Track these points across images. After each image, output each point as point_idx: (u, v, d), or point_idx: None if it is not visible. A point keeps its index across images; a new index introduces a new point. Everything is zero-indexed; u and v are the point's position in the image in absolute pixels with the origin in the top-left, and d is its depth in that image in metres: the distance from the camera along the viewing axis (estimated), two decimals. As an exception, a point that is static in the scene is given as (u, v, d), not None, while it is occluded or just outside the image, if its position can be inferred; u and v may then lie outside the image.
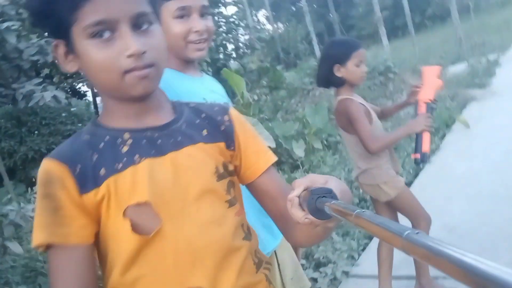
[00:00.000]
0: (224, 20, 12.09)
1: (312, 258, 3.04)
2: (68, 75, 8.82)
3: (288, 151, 5.42)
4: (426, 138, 2.01)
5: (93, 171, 0.75)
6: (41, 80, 5.53)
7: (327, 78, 2.12)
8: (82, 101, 12.84)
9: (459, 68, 8.64)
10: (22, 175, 7.47)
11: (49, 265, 0.74)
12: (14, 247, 2.72)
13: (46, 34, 6.43)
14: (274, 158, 0.92)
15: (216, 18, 11.65)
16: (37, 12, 0.76)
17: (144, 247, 0.75)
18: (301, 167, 5.00)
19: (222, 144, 0.87)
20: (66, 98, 5.38)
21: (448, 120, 5.44)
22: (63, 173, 0.74)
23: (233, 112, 0.93)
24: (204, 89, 1.33)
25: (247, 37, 14.04)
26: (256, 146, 0.92)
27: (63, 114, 7.91)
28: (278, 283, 1.50)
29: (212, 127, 0.87)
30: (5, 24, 4.40)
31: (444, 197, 3.55)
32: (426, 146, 2.01)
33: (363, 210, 0.44)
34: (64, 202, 0.73)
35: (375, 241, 3.17)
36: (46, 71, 8.17)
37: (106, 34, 0.73)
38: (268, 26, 18.89)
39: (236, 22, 12.44)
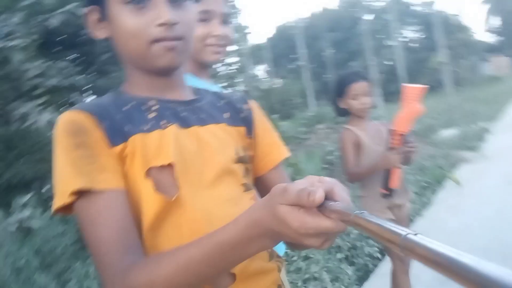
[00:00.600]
0: (226, 66, 12.40)
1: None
2: (63, 107, 8.82)
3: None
4: (395, 174, 1.94)
5: (120, 127, 0.73)
6: (38, 103, 5.52)
7: (336, 109, 2.29)
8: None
9: (450, 132, 8.83)
10: (3, 201, 7.24)
11: (84, 215, 0.68)
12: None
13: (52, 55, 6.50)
14: (287, 153, 0.92)
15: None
16: None
17: (164, 213, 0.71)
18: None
19: (242, 129, 0.87)
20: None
21: (440, 177, 5.47)
22: (91, 124, 0.71)
23: (252, 102, 0.93)
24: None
25: (245, 87, 14.33)
26: (272, 139, 0.92)
27: (55, 142, 7.81)
28: None
29: (233, 112, 0.88)
30: (12, 43, 4.45)
31: (436, 250, 3.50)
32: (394, 183, 1.96)
33: (362, 211, 0.43)
34: (100, 150, 0.70)
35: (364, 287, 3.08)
36: (44, 98, 8.17)
37: (141, 2, 0.73)
38: (268, 78, 19.40)
39: (235, 71, 12.75)
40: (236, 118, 0.87)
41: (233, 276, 0.73)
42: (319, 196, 0.49)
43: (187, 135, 0.77)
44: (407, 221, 2.33)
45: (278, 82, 16.64)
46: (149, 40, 0.73)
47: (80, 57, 7.95)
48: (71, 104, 8.10)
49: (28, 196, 3.44)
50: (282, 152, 0.91)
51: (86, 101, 0.91)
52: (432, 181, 5.36)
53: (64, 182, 0.68)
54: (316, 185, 0.53)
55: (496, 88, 17.94)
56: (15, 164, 7.32)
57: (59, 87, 5.93)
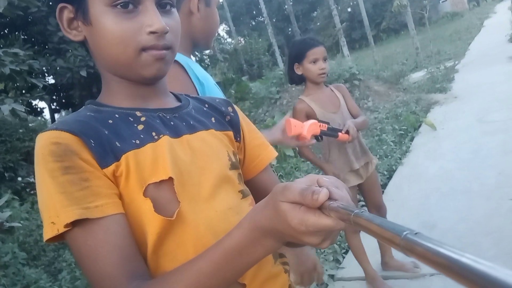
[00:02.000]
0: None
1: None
2: (24, 90, 8.43)
3: (260, 159, 5.36)
4: (340, 138, 2.12)
5: (109, 145, 0.66)
6: (-3, 93, 5.22)
7: (291, 76, 2.32)
8: (39, 118, 12.26)
9: (418, 75, 8.93)
10: (-23, 196, 7.00)
11: (80, 246, 0.62)
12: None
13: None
14: (275, 153, 0.90)
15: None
16: None
17: (166, 231, 0.66)
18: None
19: (230, 133, 0.84)
20: (25, 111, 5.07)
21: (415, 123, 5.56)
22: (77, 145, 0.64)
23: (235, 106, 0.91)
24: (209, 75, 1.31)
25: (209, 51, 13.99)
26: (259, 140, 0.90)
27: (20, 130, 7.52)
28: None
29: (219, 116, 0.84)
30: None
31: (420, 196, 3.58)
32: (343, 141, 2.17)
33: (362, 211, 0.44)
34: (91, 173, 0.63)
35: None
36: (1, 86, 7.77)
37: (129, 6, 0.67)
38: (230, 39, 18.99)
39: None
40: (222, 122, 0.84)
41: (243, 286, 0.71)
42: (323, 195, 0.49)
43: (179, 145, 0.72)
44: (376, 176, 2.48)
45: (241, 42, 16.30)
46: (137, 48, 0.68)
47: (33, 39, 7.53)
48: (31, 88, 7.72)
49: (5, 198, 3.30)
50: (270, 153, 0.89)
51: (64, 118, 0.81)
52: (408, 128, 5.45)
53: (55, 212, 0.61)
54: (318, 183, 0.53)
55: (458, 25, 18.16)
56: (-18, 159, 7.04)
57: (16, 72, 5.60)
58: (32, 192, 6.19)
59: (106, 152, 0.65)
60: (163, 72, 0.73)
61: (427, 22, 11.53)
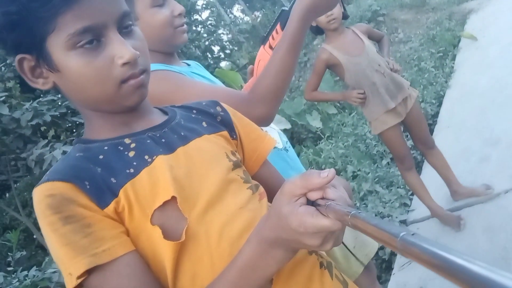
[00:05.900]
0: (201, 25, 12.01)
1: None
2: (74, 130, 8.83)
3: (305, 126, 5.29)
4: None
5: (104, 183, 0.64)
6: (46, 141, 5.52)
7: (311, 30, 2.28)
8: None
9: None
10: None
11: None
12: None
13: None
14: (274, 142, 0.88)
15: (193, 26, 11.56)
16: (1, 24, 0.63)
17: (180, 253, 0.64)
18: (323, 136, 4.85)
19: (225, 133, 0.81)
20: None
21: (453, 40, 5.19)
22: (72, 192, 0.62)
23: (223, 104, 0.87)
24: (197, 78, 1.24)
25: (229, 35, 13.93)
26: (255, 133, 0.87)
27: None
28: (339, 256, 1.39)
29: (209, 119, 0.82)
30: (-7, 98, 4.37)
31: (476, 114, 3.36)
32: None
33: (359, 211, 0.44)
34: (92, 217, 0.61)
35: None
36: (51, 132, 8.19)
37: (93, 42, 0.64)
38: (247, 18, 18.77)
39: (214, 23, 12.33)
40: (214, 124, 0.81)
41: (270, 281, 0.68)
42: (331, 173, 0.50)
43: (175, 160, 0.69)
44: (418, 109, 2.36)
45: (259, 16, 16.02)
46: (116, 83, 0.66)
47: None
48: (78, 127, 8.08)
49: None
50: (267, 144, 0.86)
51: (55, 166, 0.68)
52: (446, 48, 5.11)
53: (65, 265, 0.59)
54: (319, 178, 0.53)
55: None
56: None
57: (57, 117, 5.87)
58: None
59: (103, 191, 0.63)
60: (145, 96, 0.72)
61: None
